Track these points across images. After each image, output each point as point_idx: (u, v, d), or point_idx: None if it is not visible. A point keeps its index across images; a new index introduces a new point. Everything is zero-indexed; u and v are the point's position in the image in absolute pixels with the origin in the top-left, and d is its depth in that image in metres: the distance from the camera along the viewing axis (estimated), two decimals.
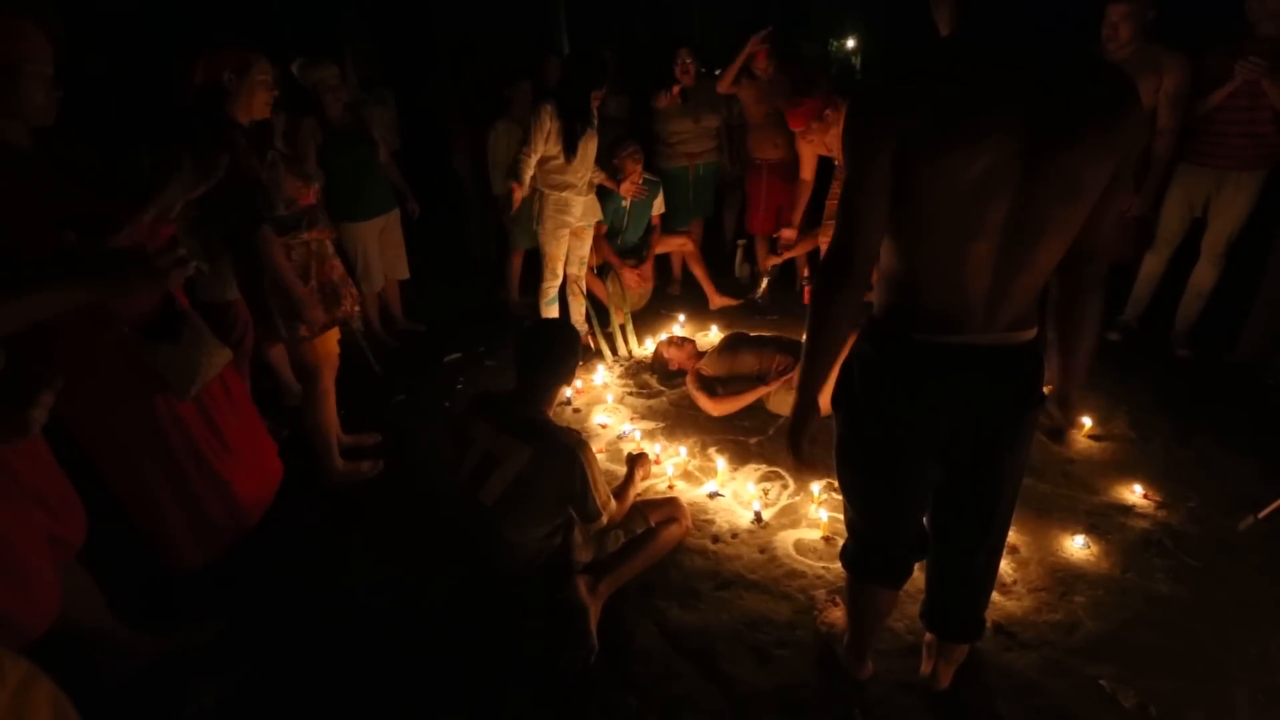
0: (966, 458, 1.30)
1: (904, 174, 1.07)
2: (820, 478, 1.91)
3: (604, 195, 3.61)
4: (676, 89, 3.83)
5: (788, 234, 3.65)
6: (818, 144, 3.19)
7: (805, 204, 3.62)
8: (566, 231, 3.36)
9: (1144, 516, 2.25)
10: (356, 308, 2.46)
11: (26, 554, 1.39)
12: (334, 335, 2.41)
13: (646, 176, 3.77)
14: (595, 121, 3.19)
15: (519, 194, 3.19)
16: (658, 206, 3.95)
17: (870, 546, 1.48)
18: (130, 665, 1.77)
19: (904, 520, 1.43)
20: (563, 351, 1.89)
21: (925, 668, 1.68)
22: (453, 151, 4.40)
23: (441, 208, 4.53)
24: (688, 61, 3.79)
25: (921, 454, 1.31)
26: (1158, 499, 2.32)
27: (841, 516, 1.64)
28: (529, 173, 3.15)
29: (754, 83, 3.77)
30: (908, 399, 1.24)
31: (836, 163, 3.28)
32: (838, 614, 1.84)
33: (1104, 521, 2.23)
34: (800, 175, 3.56)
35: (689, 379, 3.06)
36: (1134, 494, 2.34)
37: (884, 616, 1.62)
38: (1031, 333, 1.23)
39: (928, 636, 1.67)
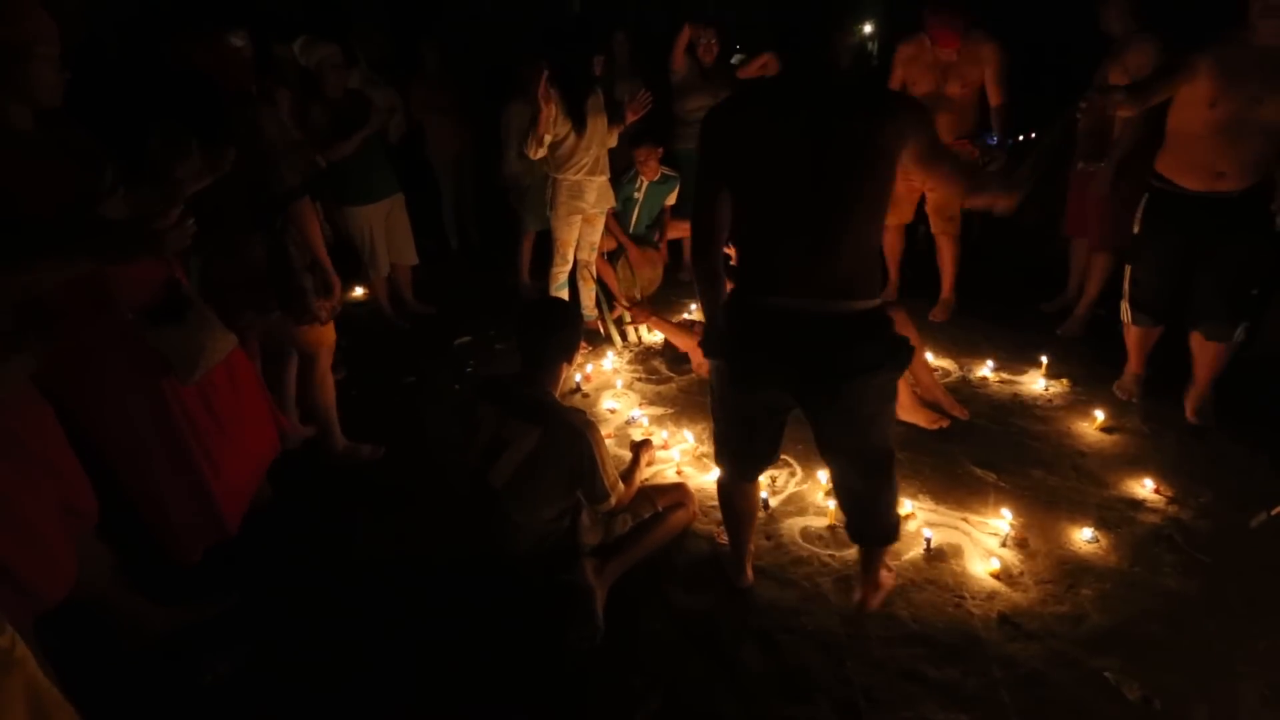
0: (812, 408, 1.57)
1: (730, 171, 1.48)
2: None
3: (616, 187, 3.59)
4: (683, 38, 3.72)
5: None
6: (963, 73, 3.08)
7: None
8: (579, 218, 3.34)
9: (1154, 511, 2.24)
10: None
11: (40, 521, 1.42)
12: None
13: (664, 171, 3.75)
14: (597, 88, 3.16)
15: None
16: (670, 199, 3.92)
17: (734, 455, 1.78)
18: (147, 635, 1.80)
19: (755, 439, 1.72)
20: (559, 323, 1.87)
21: (856, 594, 1.84)
22: (425, 141, 4.36)
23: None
24: (712, 41, 3.75)
25: (765, 400, 1.61)
26: (1169, 494, 2.30)
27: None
28: (539, 153, 3.11)
29: None
30: (743, 352, 1.55)
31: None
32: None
33: (1113, 515, 2.22)
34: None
35: (696, 364, 3.08)
36: (1145, 488, 2.32)
37: (752, 515, 1.92)
38: (860, 304, 1.45)
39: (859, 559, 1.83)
